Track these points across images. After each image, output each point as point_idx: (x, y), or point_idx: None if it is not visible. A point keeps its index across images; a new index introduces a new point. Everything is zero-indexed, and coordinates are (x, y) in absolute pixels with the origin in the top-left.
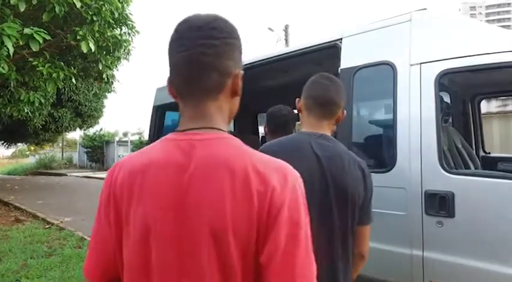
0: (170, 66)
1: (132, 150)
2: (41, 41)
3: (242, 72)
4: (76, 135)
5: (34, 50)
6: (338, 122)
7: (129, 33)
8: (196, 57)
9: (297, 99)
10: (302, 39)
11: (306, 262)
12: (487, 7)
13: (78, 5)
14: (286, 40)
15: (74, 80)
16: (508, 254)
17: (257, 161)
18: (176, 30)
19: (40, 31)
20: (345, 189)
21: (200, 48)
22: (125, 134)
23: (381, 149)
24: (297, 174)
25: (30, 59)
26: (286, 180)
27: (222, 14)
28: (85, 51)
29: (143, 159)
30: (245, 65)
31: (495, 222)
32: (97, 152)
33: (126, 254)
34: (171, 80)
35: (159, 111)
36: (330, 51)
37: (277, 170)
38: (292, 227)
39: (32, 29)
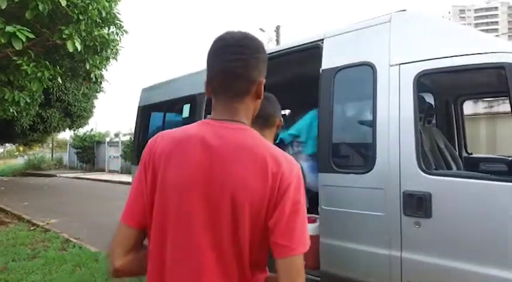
0: (209, 72)
1: (124, 151)
2: (24, 40)
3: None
4: (66, 135)
5: (17, 49)
6: (278, 129)
7: (117, 33)
8: (230, 68)
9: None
10: (292, 40)
11: (303, 229)
12: (476, 11)
13: (64, 3)
14: (278, 41)
15: (60, 80)
16: (484, 253)
17: (273, 149)
18: (215, 45)
19: (23, 29)
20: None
21: (233, 62)
22: (117, 135)
23: (360, 149)
24: (299, 166)
25: (15, 58)
26: (293, 168)
27: (216, 14)
28: (71, 50)
29: (182, 133)
30: None
31: (471, 222)
32: (87, 152)
33: (156, 206)
34: (209, 82)
35: (144, 112)
36: (312, 51)
37: (286, 159)
38: (294, 203)
39: (15, 27)
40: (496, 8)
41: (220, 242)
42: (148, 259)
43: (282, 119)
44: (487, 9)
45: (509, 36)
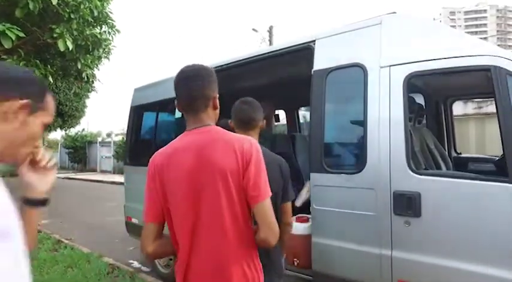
0: (178, 96)
1: (116, 151)
2: (13, 38)
3: (218, 95)
4: (57, 135)
5: (7, 47)
6: (261, 129)
7: (109, 32)
8: (191, 92)
9: (229, 121)
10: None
11: (265, 183)
12: (466, 13)
13: (55, 1)
14: (270, 41)
15: (51, 79)
16: (472, 251)
17: (236, 135)
18: (179, 77)
19: (13, 28)
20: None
21: (193, 87)
22: (109, 135)
23: (351, 150)
24: (257, 142)
25: (4, 56)
26: (251, 143)
27: (207, 15)
28: (62, 49)
29: (171, 148)
30: (223, 65)
31: (459, 221)
32: (79, 152)
33: (171, 200)
34: (179, 103)
35: (137, 112)
36: (304, 52)
37: (246, 139)
38: (256, 167)
39: (4, 25)
40: (485, 11)
41: (216, 206)
42: (172, 235)
43: (264, 121)
44: (476, 11)
45: (497, 38)
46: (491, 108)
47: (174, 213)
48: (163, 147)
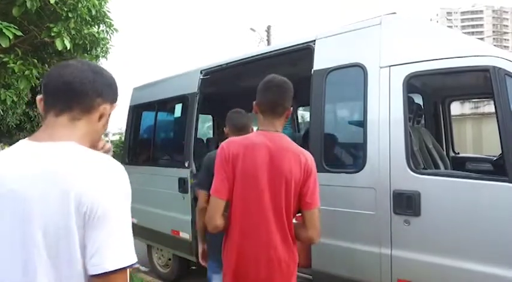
0: (262, 98)
1: (113, 151)
2: (11, 37)
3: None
4: None
5: (4, 46)
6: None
7: (107, 31)
8: (278, 99)
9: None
10: (283, 40)
11: (318, 194)
12: (462, 13)
13: (52, 0)
14: (268, 41)
15: None
16: (471, 250)
17: (300, 149)
18: (268, 82)
19: (10, 26)
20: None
21: (280, 95)
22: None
23: (351, 149)
24: (312, 157)
25: (1, 56)
26: (312, 159)
27: (206, 14)
28: (60, 48)
29: (247, 139)
30: (222, 65)
31: (459, 220)
32: None
33: (238, 185)
34: (260, 104)
35: (135, 111)
36: (304, 52)
37: (308, 154)
38: (314, 180)
39: (1, 23)
40: (481, 12)
41: (277, 203)
42: (234, 215)
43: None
44: (473, 12)
45: (493, 38)
46: (488, 108)
47: (238, 198)
48: (239, 138)
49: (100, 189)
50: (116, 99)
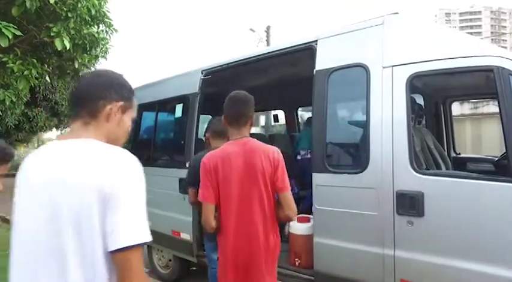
0: (227, 113)
1: None
2: (10, 37)
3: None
4: (53, 135)
5: (3, 46)
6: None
7: (106, 31)
8: (239, 111)
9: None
10: (283, 41)
11: (287, 180)
12: (461, 14)
13: (52, 0)
14: (268, 41)
15: (48, 78)
16: (475, 251)
17: (267, 146)
18: (230, 99)
19: (9, 26)
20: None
21: (240, 108)
22: None
23: (354, 150)
24: (279, 150)
25: (0, 55)
26: (279, 152)
27: (205, 14)
28: (60, 48)
29: (222, 151)
30: (225, 64)
31: (462, 220)
32: None
33: (222, 189)
34: (226, 118)
35: (136, 111)
36: (306, 52)
37: (275, 149)
38: (282, 169)
39: (1, 23)
40: (479, 12)
41: (258, 195)
42: (223, 215)
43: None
44: (471, 13)
45: (492, 39)
46: (487, 108)
47: (224, 200)
48: (214, 151)
49: (116, 176)
50: (125, 96)
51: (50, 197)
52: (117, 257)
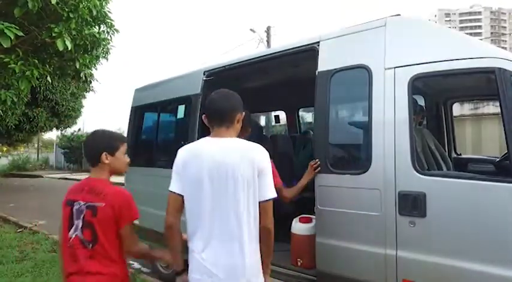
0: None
1: None
2: (12, 37)
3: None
4: (52, 135)
5: (5, 46)
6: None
7: (108, 32)
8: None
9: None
10: (283, 41)
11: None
12: (460, 14)
13: (54, 1)
14: (268, 41)
15: (49, 79)
16: (477, 251)
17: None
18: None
19: (11, 27)
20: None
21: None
22: None
23: (356, 150)
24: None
25: (2, 56)
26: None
27: (205, 14)
28: (61, 49)
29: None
30: (227, 65)
31: (464, 220)
32: (75, 153)
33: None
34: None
35: (137, 112)
36: (308, 54)
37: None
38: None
39: (3, 24)
40: (479, 13)
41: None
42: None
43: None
44: (471, 13)
45: (491, 40)
46: (487, 109)
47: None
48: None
49: (262, 157)
50: (241, 110)
51: (232, 168)
52: (262, 205)
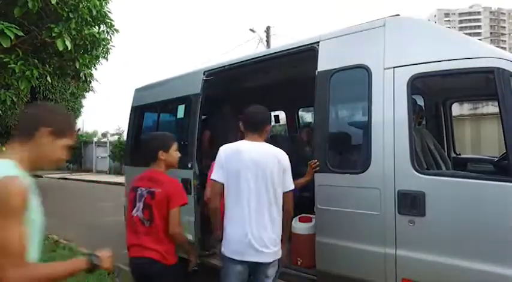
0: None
1: (112, 151)
2: (12, 37)
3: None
4: None
5: (5, 46)
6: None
7: (107, 32)
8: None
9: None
10: (283, 41)
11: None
12: (460, 14)
13: (54, 1)
14: (268, 41)
15: (49, 79)
16: (476, 250)
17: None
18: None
19: (11, 27)
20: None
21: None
22: (104, 135)
23: (356, 150)
24: (287, 156)
25: (2, 56)
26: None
27: (207, 14)
28: (61, 49)
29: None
30: (227, 65)
31: (463, 219)
32: (75, 152)
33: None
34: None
35: (137, 112)
36: (308, 54)
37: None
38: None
39: (3, 24)
40: (478, 13)
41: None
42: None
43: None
44: (470, 13)
45: (491, 40)
46: (486, 109)
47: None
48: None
49: (286, 159)
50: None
51: (265, 165)
52: (285, 195)
